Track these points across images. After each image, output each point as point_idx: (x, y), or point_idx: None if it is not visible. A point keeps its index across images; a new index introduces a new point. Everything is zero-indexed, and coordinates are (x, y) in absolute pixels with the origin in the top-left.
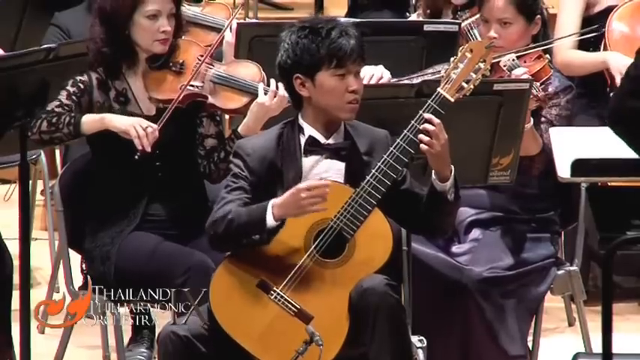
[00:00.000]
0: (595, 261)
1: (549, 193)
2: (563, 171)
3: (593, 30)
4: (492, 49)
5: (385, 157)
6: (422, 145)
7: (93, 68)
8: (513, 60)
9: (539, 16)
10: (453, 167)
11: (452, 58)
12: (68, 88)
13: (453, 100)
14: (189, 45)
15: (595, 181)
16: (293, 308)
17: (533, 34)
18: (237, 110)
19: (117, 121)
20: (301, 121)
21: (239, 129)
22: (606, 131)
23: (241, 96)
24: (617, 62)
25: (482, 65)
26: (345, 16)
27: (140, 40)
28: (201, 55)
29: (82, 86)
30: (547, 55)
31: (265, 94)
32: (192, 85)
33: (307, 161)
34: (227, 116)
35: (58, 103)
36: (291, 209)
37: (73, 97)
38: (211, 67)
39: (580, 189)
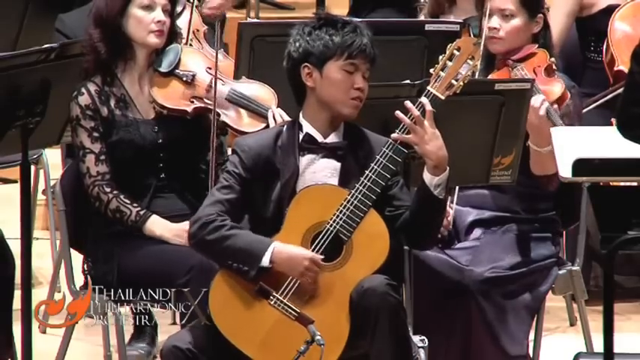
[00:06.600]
0: (596, 261)
1: (551, 193)
2: (565, 171)
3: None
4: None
5: (379, 157)
6: (409, 136)
7: (88, 76)
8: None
9: (541, 15)
10: (448, 168)
11: (440, 57)
12: (83, 124)
13: (443, 97)
14: (195, 54)
15: (597, 181)
16: (293, 313)
17: (533, 32)
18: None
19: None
20: (301, 119)
21: None
22: (608, 131)
23: (255, 120)
24: None
25: (470, 62)
26: (347, 16)
27: (135, 33)
28: (209, 68)
29: (90, 113)
30: (552, 59)
31: (275, 121)
32: (205, 101)
33: (303, 160)
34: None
35: (92, 155)
36: (287, 266)
37: (95, 134)
38: (227, 83)
39: (581, 189)
